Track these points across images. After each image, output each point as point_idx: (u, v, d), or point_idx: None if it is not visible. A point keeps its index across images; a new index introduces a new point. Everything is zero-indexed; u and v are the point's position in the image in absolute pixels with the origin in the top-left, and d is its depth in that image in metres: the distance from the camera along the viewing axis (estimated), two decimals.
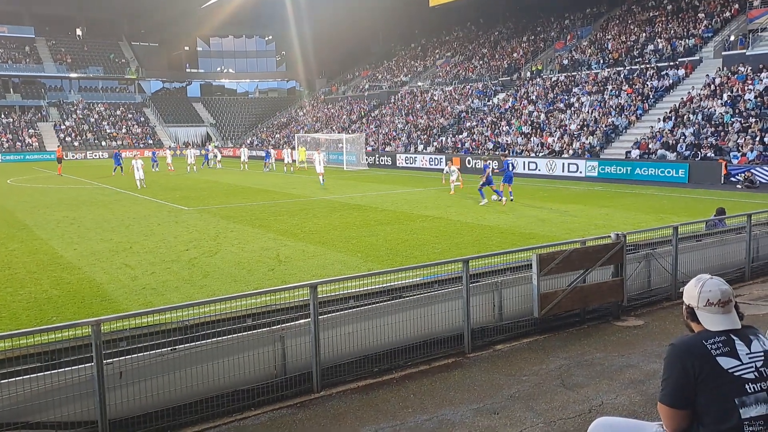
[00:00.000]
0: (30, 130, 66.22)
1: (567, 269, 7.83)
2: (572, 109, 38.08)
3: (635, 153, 30.60)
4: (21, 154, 60.52)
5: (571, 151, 33.73)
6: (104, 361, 5.25)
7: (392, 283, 7.71)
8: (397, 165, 43.29)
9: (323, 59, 77.19)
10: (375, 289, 7.46)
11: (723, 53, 34.31)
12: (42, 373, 5.09)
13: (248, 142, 67.29)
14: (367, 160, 44.73)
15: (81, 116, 71.02)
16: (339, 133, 51.33)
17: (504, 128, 40.43)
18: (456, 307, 7.30)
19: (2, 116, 67.29)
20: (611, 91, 37.44)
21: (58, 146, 52.14)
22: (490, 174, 21.50)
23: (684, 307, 2.92)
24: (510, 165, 22.24)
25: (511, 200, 21.42)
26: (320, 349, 6.34)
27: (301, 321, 6.43)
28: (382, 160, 44.95)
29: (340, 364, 6.56)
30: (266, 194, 25.92)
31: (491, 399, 6.08)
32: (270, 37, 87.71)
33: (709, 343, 2.74)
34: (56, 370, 5.15)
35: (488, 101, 46.51)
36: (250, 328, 6.27)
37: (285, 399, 6.16)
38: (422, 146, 44.49)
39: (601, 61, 41.63)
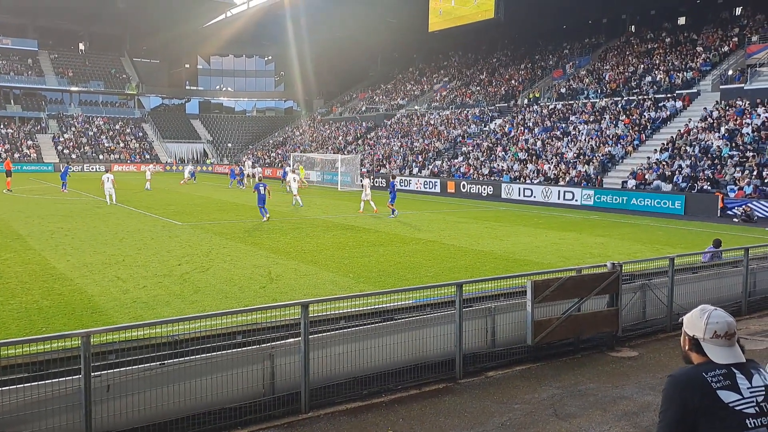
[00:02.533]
0: (29, 142, 66.18)
1: (562, 297, 7.80)
2: (569, 137, 38.37)
3: (632, 183, 30.78)
4: (19, 164, 60.30)
5: (567, 179, 33.91)
6: (92, 374, 5.17)
7: (384, 305, 7.67)
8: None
9: (321, 80, 77.78)
10: (366, 310, 7.41)
11: (721, 87, 34.72)
12: (29, 384, 5.01)
13: (243, 160, 67.38)
14: (361, 181, 44.77)
15: (80, 129, 71.09)
16: (335, 153, 51.50)
17: (500, 154, 40.67)
18: (448, 332, 7.25)
19: (2, 127, 67.26)
20: (608, 120, 37.79)
21: (6, 159, 51.02)
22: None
23: (686, 337, 2.85)
24: (394, 186, 24.75)
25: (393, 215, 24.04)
26: (310, 369, 6.27)
27: (292, 340, 6.37)
28: (376, 182, 45.01)
29: (329, 385, 6.49)
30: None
31: (482, 427, 6.00)
32: (270, 57, 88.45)
33: (709, 375, 2.69)
34: (43, 381, 5.07)
35: (485, 127, 46.85)
36: (239, 345, 6.21)
37: (272, 419, 6.07)
38: (417, 169, 44.65)
39: (599, 91, 42.09)
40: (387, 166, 47.66)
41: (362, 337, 6.73)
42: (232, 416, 5.87)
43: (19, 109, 70.61)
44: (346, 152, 53.11)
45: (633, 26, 49.85)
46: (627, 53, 45.25)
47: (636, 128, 35.67)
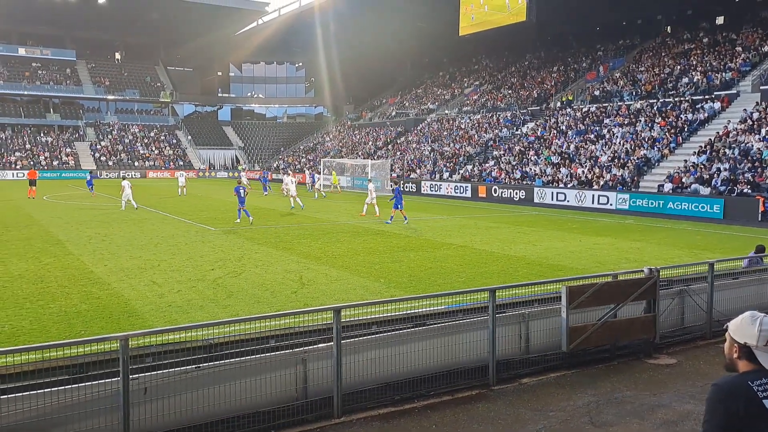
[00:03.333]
0: (67, 149, 68.08)
1: (597, 303, 7.66)
2: (603, 140, 37.78)
3: (668, 187, 30.14)
4: (57, 171, 62.15)
5: (601, 183, 33.38)
6: (130, 377, 5.26)
7: (416, 310, 7.64)
8: (422, 192, 43.31)
9: (351, 86, 78.25)
10: (398, 315, 7.39)
11: (761, 87, 33.75)
12: (69, 386, 5.12)
13: (274, 166, 68.09)
14: (391, 186, 44.84)
15: (116, 137, 72.83)
16: (364, 158, 51.66)
17: (532, 158, 40.27)
18: (481, 338, 7.18)
19: (41, 135, 69.37)
20: (644, 123, 37.10)
21: (31, 169, 52.11)
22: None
23: (734, 345, 2.75)
24: (399, 192, 24.56)
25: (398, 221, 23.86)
26: (342, 373, 6.26)
27: (324, 344, 6.38)
28: (406, 187, 45.03)
29: (361, 390, 6.48)
30: (291, 217, 26.09)
31: None
32: (300, 64, 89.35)
33: (755, 384, 2.61)
34: (83, 384, 5.18)
35: (516, 130, 46.46)
36: (272, 349, 6.25)
37: (305, 423, 6.08)
38: (448, 174, 44.49)
39: (634, 93, 41.37)
40: (417, 171, 47.63)
41: (394, 342, 6.71)
42: (266, 420, 5.90)
43: (58, 117, 72.79)
44: (376, 157, 53.24)
45: (669, 27, 48.88)
46: (663, 54, 44.40)
47: (672, 130, 34.93)
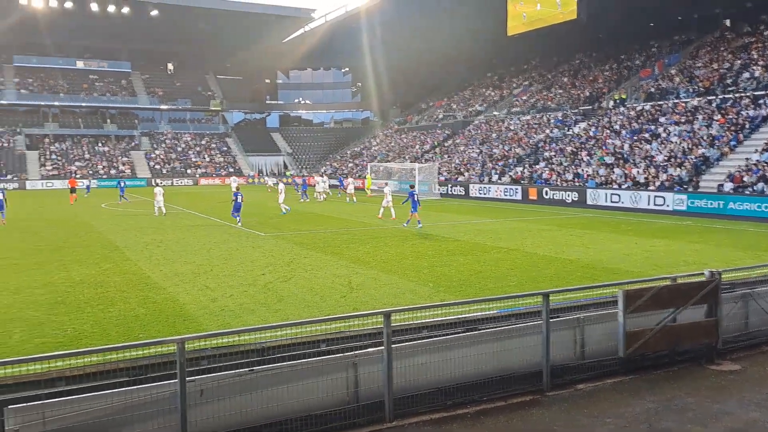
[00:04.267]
0: (123, 158, 70.59)
1: (656, 307, 7.41)
2: (659, 139, 36.63)
3: (728, 186, 28.97)
4: (115, 180, 64.45)
5: (657, 183, 32.36)
6: (186, 379, 5.37)
7: (467, 315, 7.56)
8: (470, 195, 42.96)
9: (397, 89, 78.35)
10: (449, 320, 7.34)
11: None
12: (129, 388, 5.27)
13: (321, 170, 68.84)
14: (439, 189, 44.68)
15: (170, 145, 75.09)
16: (411, 162, 51.61)
17: (584, 158, 39.39)
18: (534, 343, 7.05)
19: (99, 145, 72.15)
20: (701, 121, 35.79)
21: (71, 177, 55.77)
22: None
23: None
24: (414, 195, 24.05)
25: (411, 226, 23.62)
26: (393, 378, 6.24)
27: (375, 349, 6.37)
28: (454, 190, 44.75)
29: (412, 395, 6.44)
30: (338, 222, 26.28)
31: None
32: (346, 69, 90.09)
33: None
34: (142, 386, 5.32)
35: (568, 131, 45.56)
36: (324, 353, 6.29)
37: (357, 427, 6.09)
38: (497, 176, 43.99)
39: (691, 90, 39.97)
40: (465, 174, 47.29)
41: (445, 347, 6.65)
42: (319, 423, 5.94)
43: (114, 127, 75.64)
44: (423, 161, 53.13)
45: (728, 20, 47.04)
46: (721, 49, 42.75)
47: (732, 128, 33.56)
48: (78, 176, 61.16)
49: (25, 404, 4.97)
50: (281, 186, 32.31)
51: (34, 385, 5.21)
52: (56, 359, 5.70)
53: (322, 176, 47.45)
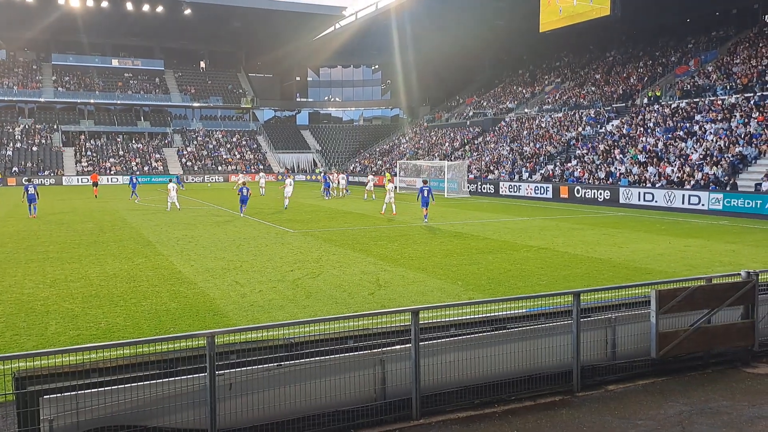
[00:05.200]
0: (156, 155, 71.86)
1: (689, 308, 7.24)
2: (694, 137, 35.81)
3: (766, 186, 28.17)
4: (148, 176, 65.71)
5: (692, 182, 31.65)
6: (216, 372, 5.44)
7: (496, 314, 7.49)
8: (500, 193, 42.61)
9: (427, 87, 78.12)
10: (477, 318, 7.28)
11: None
12: (160, 380, 5.36)
13: (350, 168, 69.00)
14: (468, 187, 44.42)
15: (201, 143, 76.17)
16: (441, 160, 51.41)
17: (617, 156, 38.72)
18: (564, 343, 6.95)
19: (133, 142, 73.60)
20: (739, 118, 34.86)
21: (94, 172, 57.02)
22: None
23: None
24: (425, 191, 24.66)
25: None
26: (420, 375, 6.22)
27: (402, 346, 6.36)
28: (484, 188, 44.45)
29: (439, 393, 6.41)
30: (366, 219, 26.31)
31: None
32: (376, 66, 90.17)
33: None
34: (173, 378, 5.41)
35: (600, 128, 44.84)
36: (351, 350, 6.29)
37: (384, 424, 6.08)
38: (527, 174, 43.53)
39: (728, 87, 38.96)
40: (495, 172, 46.92)
41: (474, 345, 6.60)
42: (346, 419, 5.95)
43: (148, 125, 77.05)
44: (453, 158, 52.86)
45: (767, 16, 45.70)
46: (760, 45, 41.56)
47: None
48: (132, 172, 62.71)
49: (59, 394, 5.09)
50: (289, 180, 33.00)
51: (68, 376, 5.33)
52: (90, 351, 5.83)
53: (343, 173, 47.85)
